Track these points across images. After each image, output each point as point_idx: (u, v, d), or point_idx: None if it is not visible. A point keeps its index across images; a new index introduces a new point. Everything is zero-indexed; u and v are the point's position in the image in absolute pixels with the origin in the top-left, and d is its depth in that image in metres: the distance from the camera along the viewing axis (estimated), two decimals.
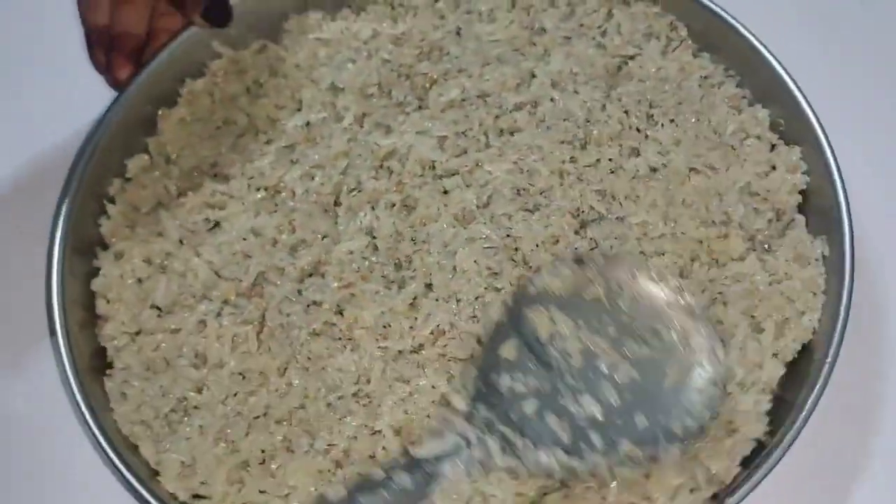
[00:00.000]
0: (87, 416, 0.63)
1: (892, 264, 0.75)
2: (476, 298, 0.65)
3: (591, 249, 0.67)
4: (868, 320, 0.72)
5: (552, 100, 0.72)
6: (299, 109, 0.74)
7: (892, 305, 0.73)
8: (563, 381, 0.61)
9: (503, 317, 0.64)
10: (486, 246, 0.67)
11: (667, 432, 0.60)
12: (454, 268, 0.66)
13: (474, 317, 0.65)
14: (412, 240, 0.68)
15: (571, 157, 0.69)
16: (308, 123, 0.73)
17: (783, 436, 0.60)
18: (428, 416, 0.63)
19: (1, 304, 0.76)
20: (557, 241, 0.67)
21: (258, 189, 0.71)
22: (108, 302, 0.69)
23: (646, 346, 0.62)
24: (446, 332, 0.65)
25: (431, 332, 0.65)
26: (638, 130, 0.71)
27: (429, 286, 0.66)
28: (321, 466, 0.62)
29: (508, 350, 0.63)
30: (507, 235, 0.67)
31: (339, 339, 0.65)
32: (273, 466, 0.63)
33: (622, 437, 0.60)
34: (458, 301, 0.65)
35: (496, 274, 0.66)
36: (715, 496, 0.60)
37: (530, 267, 0.66)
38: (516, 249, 0.67)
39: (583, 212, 0.68)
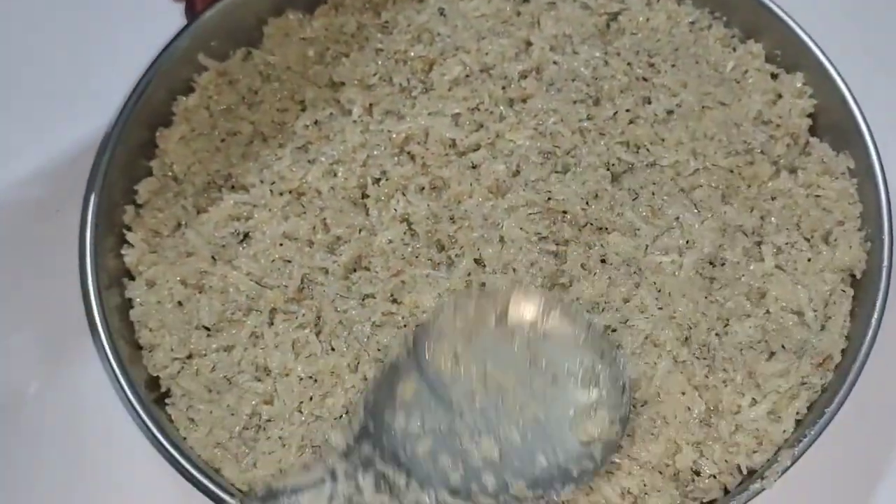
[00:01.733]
0: (167, 446, 0.61)
1: None
2: (532, 264, 0.66)
3: (633, 200, 0.68)
4: None
5: (555, 63, 0.73)
6: (303, 110, 0.73)
7: None
8: (462, 420, 0.60)
9: (403, 352, 0.62)
10: (529, 212, 0.67)
11: (564, 474, 0.59)
12: (501, 238, 0.67)
13: (538, 284, 0.66)
14: (450, 219, 0.68)
15: (588, 115, 0.71)
16: (317, 122, 0.72)
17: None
18: None
19: (49, 341, 0.74)
20: (597, 195, 0.68)
21: (281, 193, 0.70)
22: (150, 331, 0.67)
23: (553, 386, 0.61)
24: None
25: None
26: (644, 80, 0.73)
27: (478, 261, 0.67)
28: None
29: (406, 390, 0.61)
30: (549, 199, 0.67)
31: (405, 325, 0.65)
32: None
33: (518, 478, 0.59)
34: (514, 270, 0.66)
35: (545, 238, 0.67)
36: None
37: (581, 229, 0.67)
38: (564, 212, 0.67)
39: (613, 164, 0.69)
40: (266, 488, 0.56)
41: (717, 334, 0.65)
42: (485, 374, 0.60)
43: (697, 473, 0.62)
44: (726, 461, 0.62)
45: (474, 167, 0.70)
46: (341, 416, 0.63)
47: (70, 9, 0.85)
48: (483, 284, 0.66)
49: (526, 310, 0.62)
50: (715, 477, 0.62)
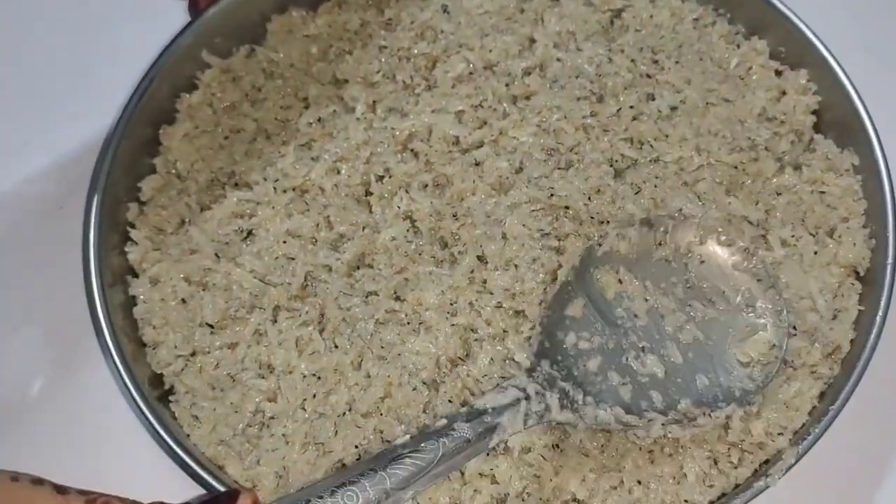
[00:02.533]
0: (171, 443, 0.61)
1: None
2: (534, 261, 0.66)
3: (635, 194, 0.68)
4: None
5: (558, 60, 0.73)
6: (307, 107, 0.73)
7: None
8: (627, 340, 0.63)
9: (569, 277, 0.65)
10: (532, 209, 0.67)
11: (726, 393, 0.62)
12: (503, 235, 0.67)
13: (539, 280, 0.66)
14: (453, 216, 0.68)
15: (592, 112, 0.71)
16: (320, 119, 0.72)
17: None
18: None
19: (52, 338, 0.73)
20: (600, 190, 0.68)
21: (285, 191, 0.70)
22: (153, 328, 0.67)
23: (712, 308, 0.64)
24: (515, 297, 0.65)
25: (498, 305, 0.65)
26: (648, 76, 0.72)
27: (481, 258, 0.67)
28: None
29: (575, 308, 0.64)
30: (551, 195, 0.67)
31: (408, 323, 0.65)
32: None
33: (683, 396, 0.62)
34: (516, 267, 0.66)
35: (547, 234, 0.67)
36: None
37: (581, 223, 0.67)
38: (566, 208, 0.67)
39: (616, 161, 0.69)
40: (469, 408, 0.59)
41: None
42: (646, 295, 0.64)
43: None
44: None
45: (477, 164, 0.70)
46: (344, 414, 0.63)
47: (73, 6, 0.84)
48: (485, 282, 0.66)
49: (686, 235, 0.66)
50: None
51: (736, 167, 0.69)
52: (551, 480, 0.61)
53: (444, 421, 0.58)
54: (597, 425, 0.61)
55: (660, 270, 0.65)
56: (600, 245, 0.66)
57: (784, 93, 0.73)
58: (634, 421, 0.61)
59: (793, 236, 0.67)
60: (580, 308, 0.64)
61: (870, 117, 0.68)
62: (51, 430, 0.70)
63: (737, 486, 0.62)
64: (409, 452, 0.55)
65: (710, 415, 0.61)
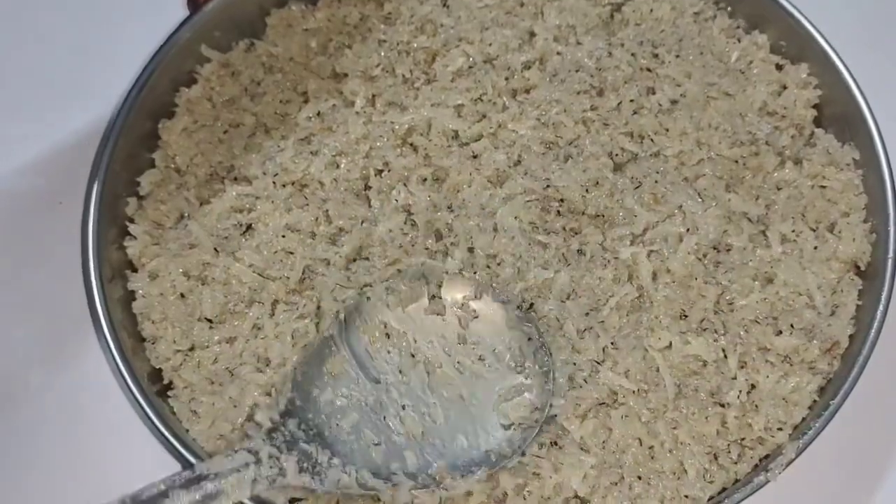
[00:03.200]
0: (170, 438, 0.61)
1: None
2: (519, 257, 0.66)
3: (635, 188, 0.68)
4: None
5: (558, 53, 0.73)
6: (306, 101, 0.73)
7: None
8: (388, 396, 0.61)
9: (332, 330, 0.63)
10: (526, 200, 0.67)
11: (482, 457, 0.61)
12: (494, 227, 0.67)
13: (519, 274, 0.66)
14: (448, 208, 0.68)
15: (592, 105, 0.70)
16: (319, 113, 0.72)
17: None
18: None
19: (51, 333, 0.73)
20: (598, 183, 0.68)
21: (284, 185, 0.69)
22: (152, 323, 0.67)
23: (480, 365, 0.63)
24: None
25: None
26: (648, 70, 0.72)
27: (471, 250, 0.67)
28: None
29: (334, 364, 0.62)
30: (547, 186, 0.67)
31: None
32: None
33: (437, 458, 0.60)
34: (500, 263, 0.66)
35: (537, 227, 0.67)
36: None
37: (576, 216, 0.67)
38: (561, 201, 0.67)
39: (616, 154, 0.69)
40: (189, 473, 0.55)
41: (717, 311, 0.65)
42: (413, 349, 0.63)
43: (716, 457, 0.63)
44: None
45: (475, 157, 0.69)
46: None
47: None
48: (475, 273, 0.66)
49: (458, 291, 0.64)
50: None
51: (736, 161, 0.69)
52: (551, 478, 0.61)
53: (161, 487, 0.53)
54: (338, 489, 0.59)
55: (430, 323, 0.63)
56: (369, 298, 0.64)
57: (785, 87, 0.72)
58: (380, 486, 0.59)
59: (793, 231, 0.67)
60: (340, 364, 0.62)
61: (871, 112, 0.68)
62: (49, 424, 0.70)
63: (737, 481, 0.62)
64: None
65: (459, 478, 0.60)
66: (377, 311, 0.64)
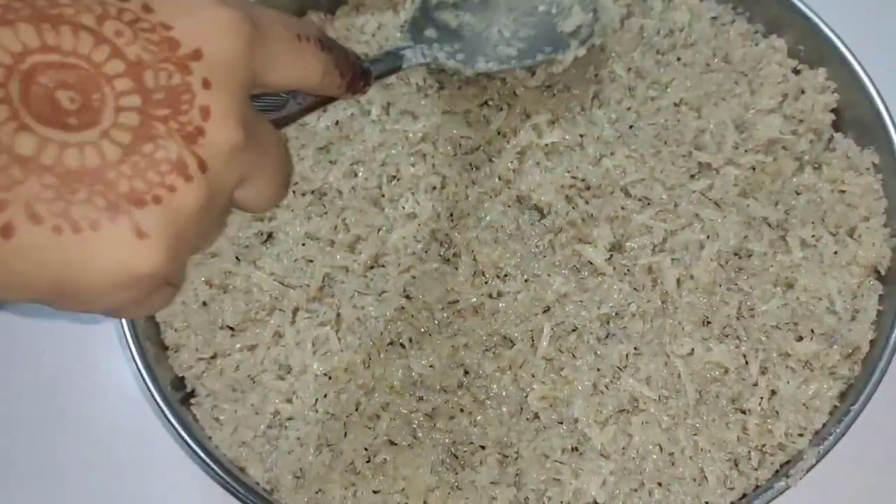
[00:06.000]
0: (195, 448, 0.62)
1: None
2: (519, 264, 0.67)
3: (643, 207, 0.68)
4: None
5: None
6: (325, 110, 0.73)
7: None
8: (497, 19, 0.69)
9: None
10: (526, 208, 0.69)
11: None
12: (496, 238, 0.68)
13: (526, 280, 0.67)
14: (450, 217, 0.68)
15: (582, 109, 0.72)
16: (337, 122, 0.72)
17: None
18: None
19: (75, 336, 0.74)
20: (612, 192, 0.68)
21: (304, 194, 0.70)
22: (175, 331, 0.67)
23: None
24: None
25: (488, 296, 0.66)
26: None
27: (475, 259, 0.67)
28: (429, 455, 0.63)
29: (430, 33, 0.67)
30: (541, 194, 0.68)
31: (417, 320, 0.66)
32: (379, 461, 0.63)
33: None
34: (505, 276, 0.67)
35: (536, 232, 0.68)
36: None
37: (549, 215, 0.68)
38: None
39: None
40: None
41: (738, 318, 0.65)
42: None
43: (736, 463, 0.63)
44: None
45: (477, 168, 0.70)
46: (350, 415, 0.64)
47: None
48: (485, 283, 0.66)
49: None
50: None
51: (754, 168, 0.69)
52: (571, 483, 0.61)
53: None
54: (480, 70, 0.66)
55: None
56: None
57: (803, 91, 0.72)
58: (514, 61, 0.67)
59: (813, 236, 0.67)
60: None
61: (890, 116, 0.68)
62: (74, 433, 0.71)
63: (757, 487, 0.62)
64: None
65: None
66: None
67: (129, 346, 0.65)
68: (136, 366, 0.64)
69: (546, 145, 0.70)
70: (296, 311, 0.67)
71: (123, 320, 0.65)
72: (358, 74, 0.47)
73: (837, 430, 0.61)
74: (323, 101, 0.50)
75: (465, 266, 0.67)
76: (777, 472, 0.62)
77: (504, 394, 0.64)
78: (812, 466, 0.60)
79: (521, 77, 0.71)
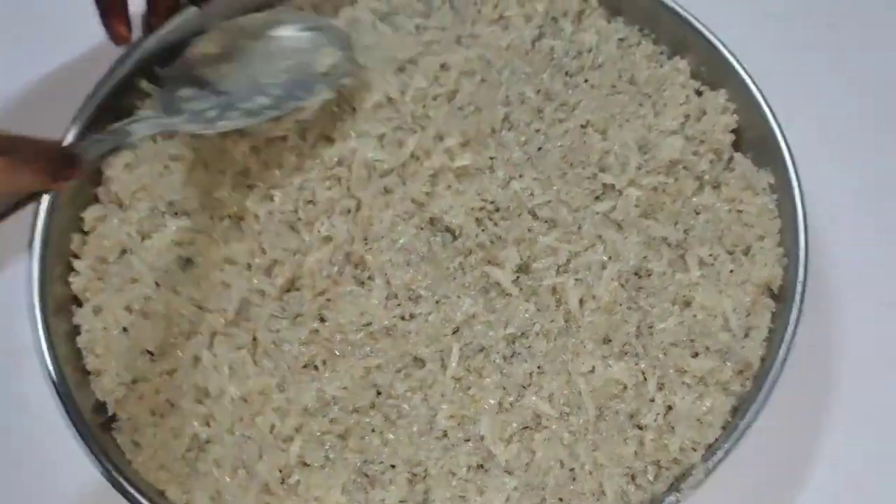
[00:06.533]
0: (115, 474, 0.63)
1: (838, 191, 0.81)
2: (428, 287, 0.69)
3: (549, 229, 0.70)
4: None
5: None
6: (242, 136, 0.75)
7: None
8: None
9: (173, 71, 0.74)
10: (437, 230, 0.71)
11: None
12: (408, 260, 0.69)
13: (437, 302, 0.69)
14: (364, 240, 0.70)
15: (493, 131, 0.74)
16: (254, 147, 0.74)
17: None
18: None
19: None
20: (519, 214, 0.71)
21: (222, 219, 0.72)
22: (96, 356, 0.69)
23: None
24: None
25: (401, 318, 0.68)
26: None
27: (388, 282, 0.69)
28: (340, 475, 0.65)
29: (185, 92, 0.72)
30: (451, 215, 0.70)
31: (330, 343, 0.68)
32: (292, 482, 0.65)
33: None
34: (419, 298, 0.69)
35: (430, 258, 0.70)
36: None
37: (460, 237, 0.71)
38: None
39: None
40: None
41: (637, 336, 0.68)
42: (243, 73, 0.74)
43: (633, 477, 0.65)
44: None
45: (391, 191, 0.72)
46: (265, 437, 0.66)
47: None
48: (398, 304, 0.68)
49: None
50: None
51: (655, 189, 0.71)
52: (476, 500, 0.64)
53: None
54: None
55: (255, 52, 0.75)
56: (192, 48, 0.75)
57: (705, 112, 0.74)
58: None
59: (710, 255, 0.69)
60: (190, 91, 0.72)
61: (784, 137, 0.70)
62: None
63: (653, 500, 0.64)
64: None
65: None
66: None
67: (49, 373, 0.66)
68: (56, 392, 0.66)
69: (458, 168, 0.72)
70: (213, 335, 0.69)
71: (44, 348, 0.67)
72: (58, 162, 0.50)
73: (726, 445, 0.63)
74: (30, 197, 0.55)
75: (379, 289, 0.69)
76: (671, 485, 0.65)
77: (414, 413, 0.66)
78: (701, 481, 0.63)
79: (267, 128, 0.73)
